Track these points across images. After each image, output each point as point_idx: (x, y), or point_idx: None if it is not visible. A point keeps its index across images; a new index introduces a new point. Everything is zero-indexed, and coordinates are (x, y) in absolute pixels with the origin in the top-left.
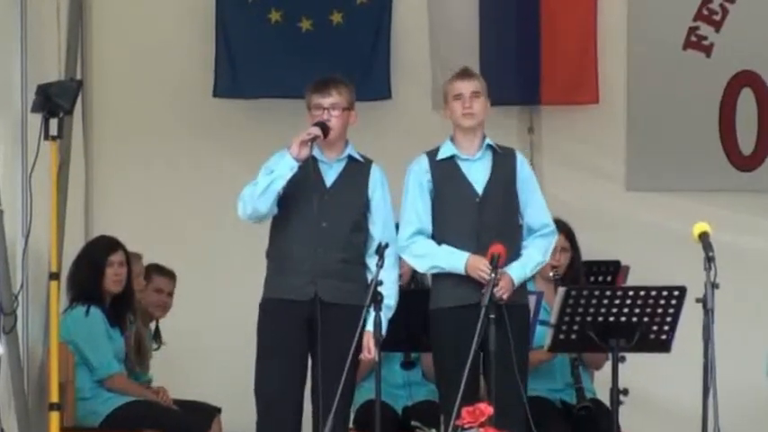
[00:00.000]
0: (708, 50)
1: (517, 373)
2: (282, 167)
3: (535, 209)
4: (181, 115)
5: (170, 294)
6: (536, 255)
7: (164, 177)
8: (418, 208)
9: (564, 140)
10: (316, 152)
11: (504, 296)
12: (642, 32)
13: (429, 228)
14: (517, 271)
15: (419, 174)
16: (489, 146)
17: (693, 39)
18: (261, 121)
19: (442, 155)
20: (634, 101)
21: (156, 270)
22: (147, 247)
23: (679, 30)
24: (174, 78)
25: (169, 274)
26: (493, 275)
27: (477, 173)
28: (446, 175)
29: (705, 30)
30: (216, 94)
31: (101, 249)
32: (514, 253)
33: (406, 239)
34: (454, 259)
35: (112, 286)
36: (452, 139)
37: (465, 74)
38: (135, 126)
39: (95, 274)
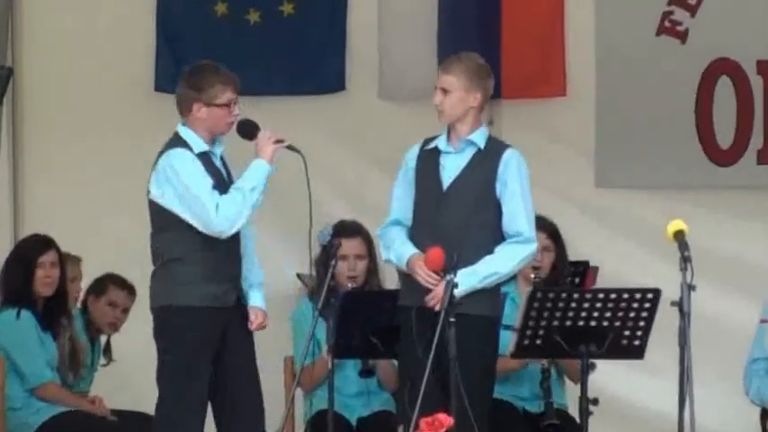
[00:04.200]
0: (683, 36)
1: (463, 389)
2: (261, 178)
3: (510, 213)
4: (120, 109)
5: (125, 311)
6: (497, 264)
7: (100, 174)
8: (400, 196)
9: (528, 134)
10: (217, 148)
11: (437, 306)
12: (612, 18)
13: (408, 218)
14: (464, 278)
15: (407, 161)
16: (471, 142)
17: (667, 24)
18: None
19: (431, 145)
20: (603, 91)
21: (115, 282)
22: (78, 251)
23: (652, 15)
24: (113, 69)
25: (128, 289)
26: (452, 277)
27: (451, 168)
28: (425, 165)
29: (680, 14)
30: (158, 88)
31: (31, 249)
32: (481, 254)
33: (382, 228)
34: (403, 254)
35: (43, 288)
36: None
37: (442, 64)
38: (70, 118)
39: (25, 275)
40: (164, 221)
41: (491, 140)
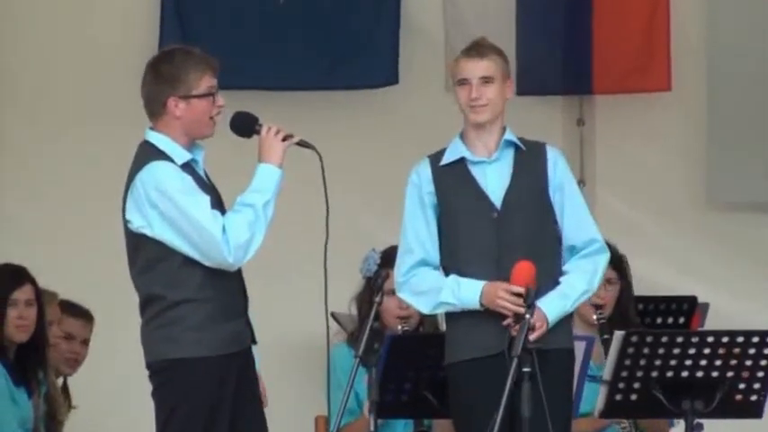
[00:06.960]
0: None
1: None
2: (272, 187)
3: (576, 221)
4: (114, 98)
5: (84, 342)
6: (583, 281)
7: (84, 178)
8: (420, 231)
9: (623, 136)
10: (198, 155)
11: (531, 337)
12: None
13: (435, 256)
14: (555, 304)
15: (418, 186)
16: (509, 142)
17: None
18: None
19: (447, 158)
20: (717, 84)
21: (67, 309)
22: (50, 276)
23: None
24: (105, 51)
25: (84, 316)
26: (528, 317)
27: (494, 179)
28: (454, 184)
29: None
30: None
31: (2, 283)
32: (552, 278)
33: (405, 274)
34: (465, 291)
35: (16, 333)
36: (462, 136)
37: (474, 50)
38: (48, 106)
39: None
40: (152, 257)
41: (522, 139)
